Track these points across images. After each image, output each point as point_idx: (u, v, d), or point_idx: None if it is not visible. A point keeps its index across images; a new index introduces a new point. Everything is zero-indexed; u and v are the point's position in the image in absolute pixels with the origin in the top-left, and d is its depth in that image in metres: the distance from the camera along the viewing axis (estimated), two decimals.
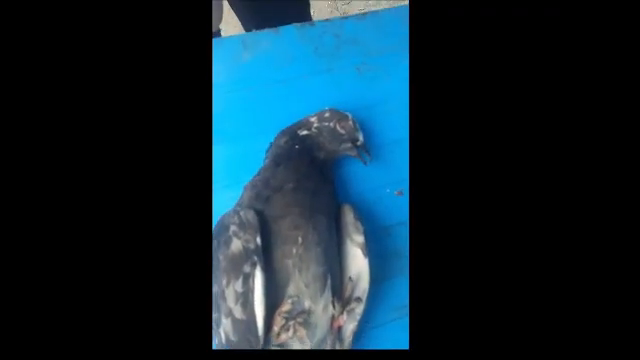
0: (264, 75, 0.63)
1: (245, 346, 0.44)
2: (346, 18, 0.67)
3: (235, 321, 0.44)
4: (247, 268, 0.44)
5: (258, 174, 0.53)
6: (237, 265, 0.44)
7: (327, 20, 0.67)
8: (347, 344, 0.49)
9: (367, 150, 0.57)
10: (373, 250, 0.52)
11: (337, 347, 0.48)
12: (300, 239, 0.47)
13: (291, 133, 0.56)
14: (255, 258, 0.44)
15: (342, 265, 0.52)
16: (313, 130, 0.56)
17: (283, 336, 0.45)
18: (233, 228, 0.46)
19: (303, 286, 0.46)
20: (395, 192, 0.59)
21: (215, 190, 0.51)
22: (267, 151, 0.56)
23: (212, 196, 0.46)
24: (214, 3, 0.82)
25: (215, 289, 0.45)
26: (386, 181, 0.60)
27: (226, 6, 0.92)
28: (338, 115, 0.56)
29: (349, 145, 0.56)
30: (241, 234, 0.45)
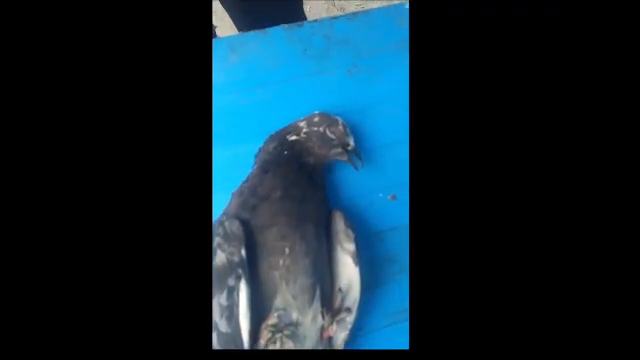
0: (252, 78, 0.61)
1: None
2: (336, 18, 0.65)
3: (220, 335, 0.43)
4: (231, 281, 0.43)
5: (246, 181, 0.52)
6: (221, 278, 0.43)
7: (316, 21, 0.65)
8: None
9: (359, 155, 0.56)
10: (365, 256, 0.51)
11: None
12: (287, 250, 0.46)
13: (280, 138, 0.54)
14: (240, 271, 0.43)
15: (333, 273, 0.50)
16: (302, 135, 0.54)
17: (270, 349, 0.44)
18: (217, 240, 0.45)
19: (290, 298, 0.45)
20: (388, 196, 0.58)
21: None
22: (256, 156, 0.55)
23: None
24: None
25: None
26: (379, 185, 0.58)
27: (219, 6, 0.90)
28: (328, 119, 0.55)
29: (340, 150, 0.55)
30: (225, 246, 0.44)
